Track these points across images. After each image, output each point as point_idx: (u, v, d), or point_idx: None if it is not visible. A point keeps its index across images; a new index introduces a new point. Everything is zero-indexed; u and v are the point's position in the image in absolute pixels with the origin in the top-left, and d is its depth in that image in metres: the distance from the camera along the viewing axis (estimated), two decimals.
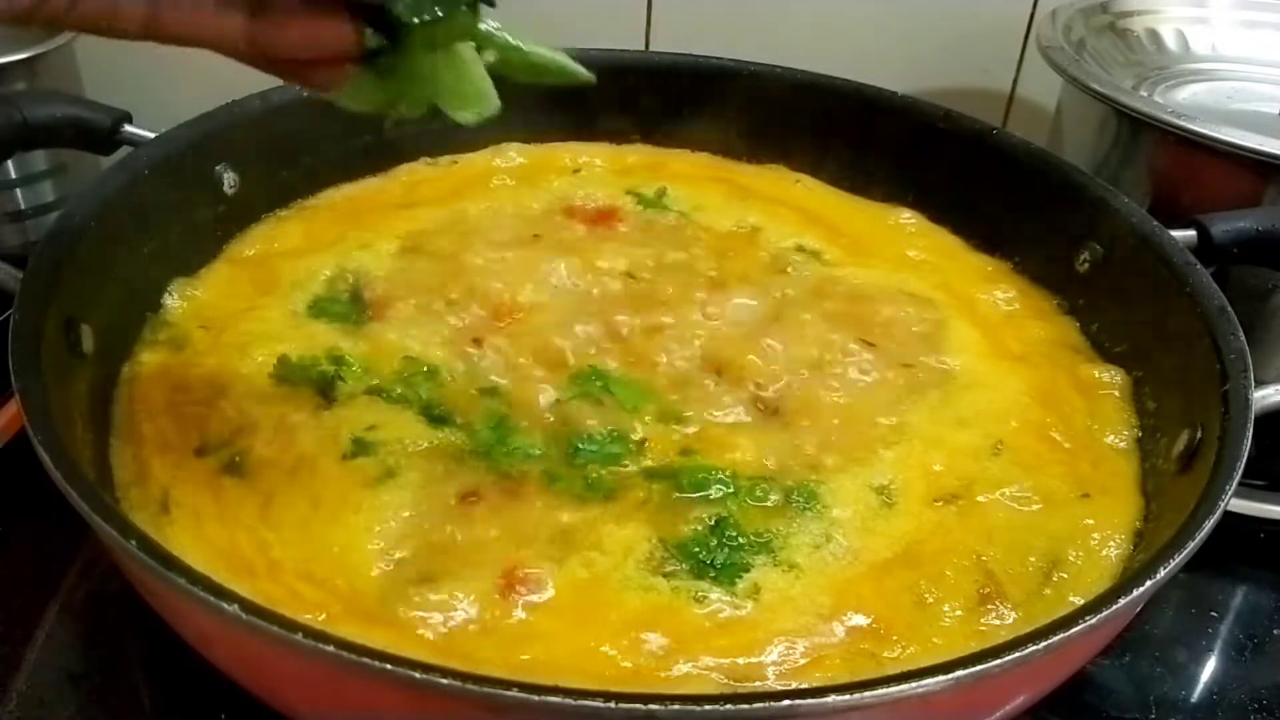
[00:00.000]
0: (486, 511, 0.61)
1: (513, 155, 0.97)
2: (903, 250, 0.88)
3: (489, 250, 0.82)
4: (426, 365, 0.71)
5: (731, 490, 0.64)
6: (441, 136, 0.96)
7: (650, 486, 0.64)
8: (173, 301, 0.77)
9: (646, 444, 0.67)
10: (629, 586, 0.58)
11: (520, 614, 0.56)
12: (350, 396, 0.68)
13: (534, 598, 0.57)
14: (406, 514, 0.61)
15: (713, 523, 0.62)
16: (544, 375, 0.72)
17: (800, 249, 0.87)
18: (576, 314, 0.77)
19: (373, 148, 0.93)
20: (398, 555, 0.59)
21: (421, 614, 0.55)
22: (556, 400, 0.69)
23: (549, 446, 0.66)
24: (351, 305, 0.77)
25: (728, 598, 0.58)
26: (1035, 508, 0.66)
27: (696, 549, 0.60)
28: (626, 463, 0.66)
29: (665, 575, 0.59)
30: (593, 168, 0.97)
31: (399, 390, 0.69)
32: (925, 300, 0.82)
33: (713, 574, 0.59)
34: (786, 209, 0.92)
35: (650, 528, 0.61)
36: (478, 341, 0.73)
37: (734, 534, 0.61)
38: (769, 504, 0.63)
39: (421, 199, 0.90)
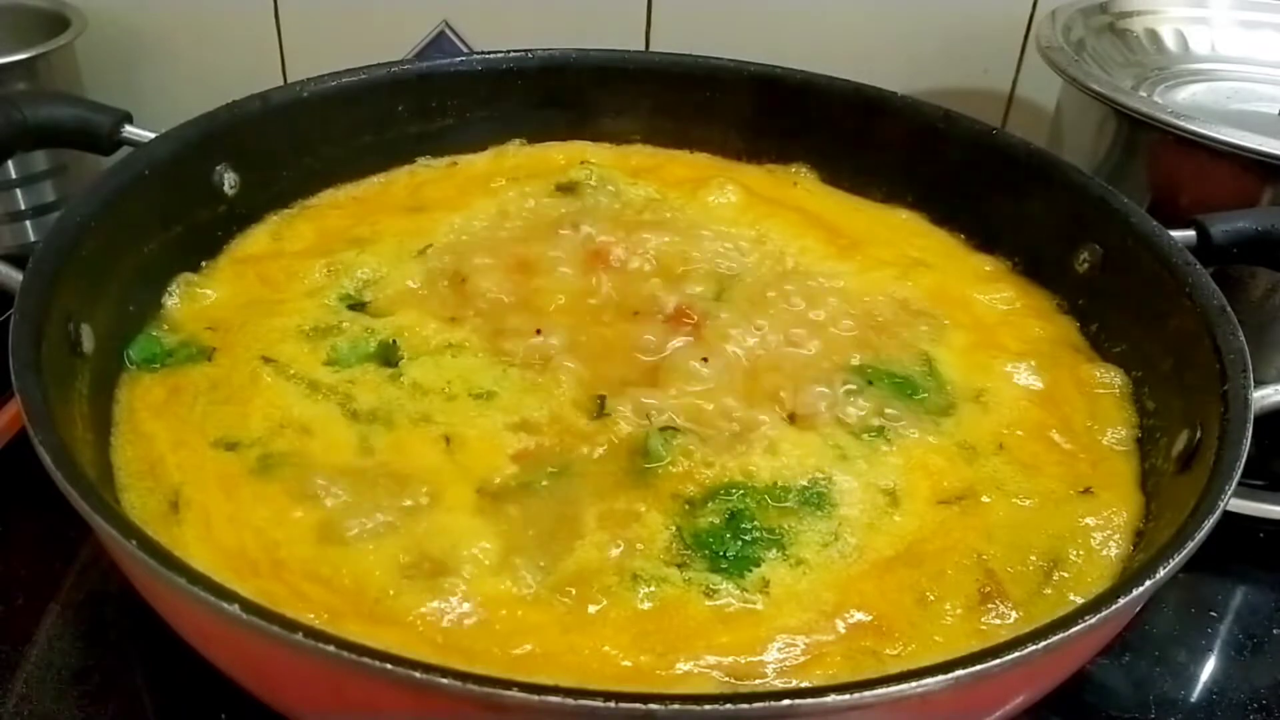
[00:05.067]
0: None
1: (513, 157, 0.97)
2: (902, 250, 0.88)
3: (524, 254, 0.82)
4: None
5: (750, 489, 0.64)
6: (441, 137, 0.96)
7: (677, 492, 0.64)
8: (175, 301, 0.77)
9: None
10: (642, 578, 0.58)
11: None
12: (415, 356, 0.71)
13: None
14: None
15: (729, 515, 0.62)
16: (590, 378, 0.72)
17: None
18: (594, 321, 0.77)
19: (372, 148, 0.93)
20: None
21: (429, 610, 0.56)
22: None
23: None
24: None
25: (737, 591, 0.58)
26: (1035, 507, 0.66)
27: (711, 540, 0.60)
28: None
29: (679, 566, 0.59)
30: (595, 169, 0.97)
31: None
32: (924, 300, 0.82)
33: (725, 565, 0.59)
34: (786, 210, 0.92)
35: (672, 517, 0.62)
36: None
37: (748, 526, 0.62)
38: (786, 504, 0.64)
39: (430, 201, 0.90)
